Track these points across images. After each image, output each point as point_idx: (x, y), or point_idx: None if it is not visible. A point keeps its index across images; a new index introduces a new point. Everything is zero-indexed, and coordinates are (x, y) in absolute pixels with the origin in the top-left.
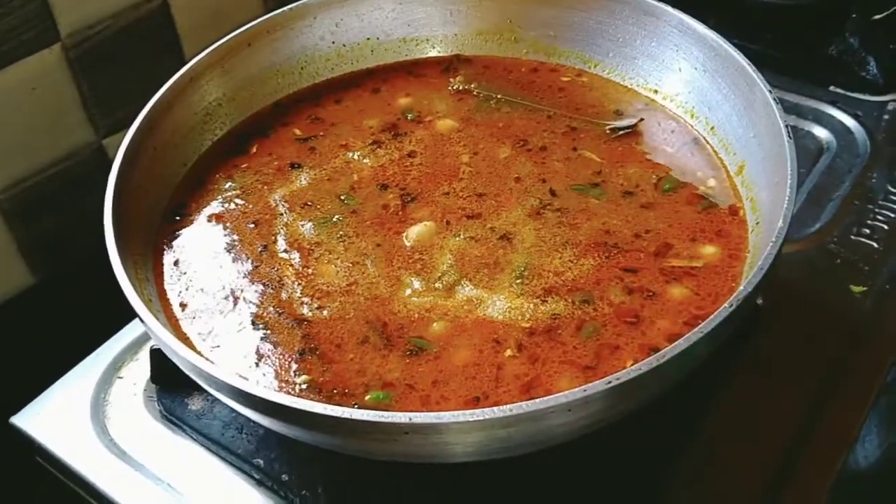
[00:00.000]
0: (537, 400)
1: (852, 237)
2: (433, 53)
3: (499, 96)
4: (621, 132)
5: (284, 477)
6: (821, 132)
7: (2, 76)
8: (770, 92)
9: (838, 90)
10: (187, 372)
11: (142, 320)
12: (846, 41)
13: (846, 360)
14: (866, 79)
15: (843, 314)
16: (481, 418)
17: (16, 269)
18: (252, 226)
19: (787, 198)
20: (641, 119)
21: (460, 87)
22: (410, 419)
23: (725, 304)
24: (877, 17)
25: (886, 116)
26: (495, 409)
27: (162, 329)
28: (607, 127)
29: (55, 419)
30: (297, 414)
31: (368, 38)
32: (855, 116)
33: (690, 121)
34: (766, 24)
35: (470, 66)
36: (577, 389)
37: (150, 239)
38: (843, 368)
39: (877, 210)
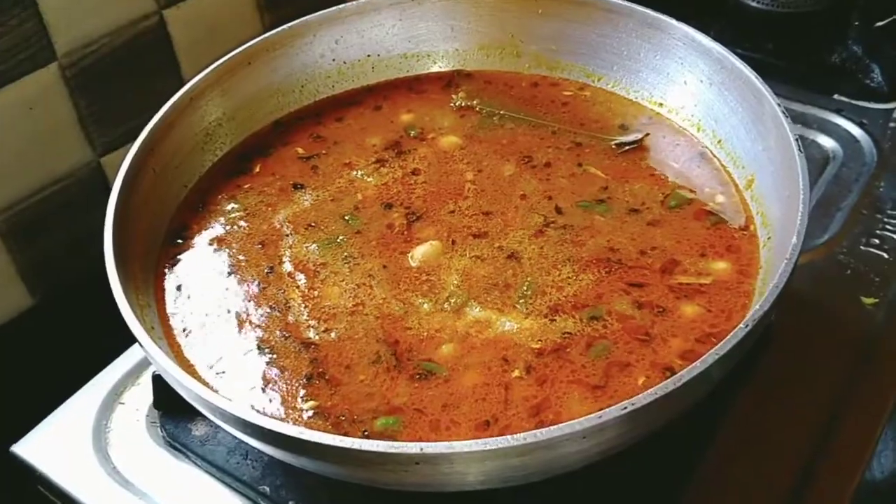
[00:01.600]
0: (552, 428)
1: (861, 247)
2: (435, 69)
3: (501, 112)
4: (627, 147)
5: None
6: (826, 141)
7: None
8: (779, 105)
9: (843, 98)
10: (191, 402)
11: (143, 348)
12: (849, 49)
13: (859, 373)
14: (871, 86)
15: (855, 326)
16: (494, 447)
17: (14, 291)
18: (257, 247)
19: (800, 213)
20: (647, 134)
21: (462, 104)
22: (422, 449)
23: (741, 325)
24: (879, 24)
25: (892, 124)
26: (508, 437)
27: (164, 358)
28: (612, 142)
29: (56, 447)
30: (304, 445)
31: (369, 55)
32: (860, 125)
33: (697, 134)
34: (768, 34)
35: (471, 82)
36: (592, 416)
37: (152, 263)
38: (857, 381)
39: (885, 219)
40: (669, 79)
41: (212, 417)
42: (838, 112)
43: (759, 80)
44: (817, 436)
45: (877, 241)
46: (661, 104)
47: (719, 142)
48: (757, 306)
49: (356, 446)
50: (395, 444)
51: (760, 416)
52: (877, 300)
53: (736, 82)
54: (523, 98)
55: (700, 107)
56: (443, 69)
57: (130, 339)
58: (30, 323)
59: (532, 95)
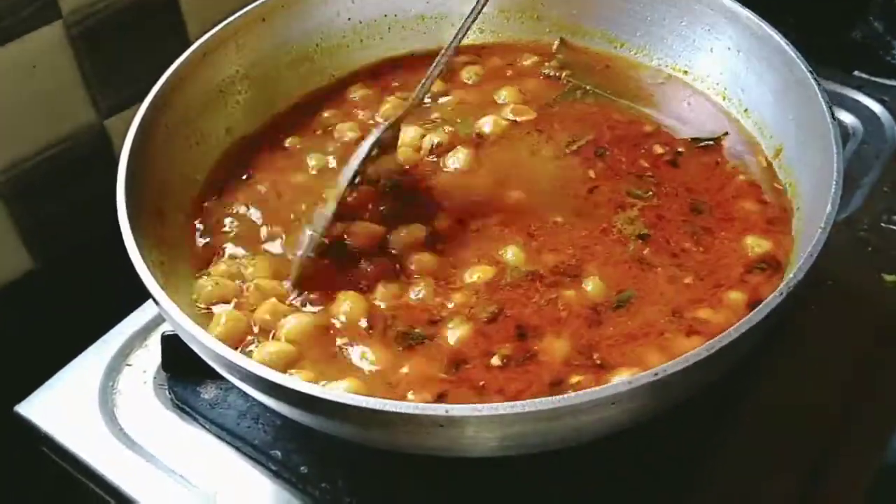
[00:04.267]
0: (579, 392)
1: (882, 224)
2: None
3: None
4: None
5: (303, 469)
6: (847, 118)
7: (0, 54)
8: (811, 72)
9: (863, 75)
10: (209, 361)
11: (158, 304)
12: (871, 25)
13: (880, 352)
14: (892, 63)
15: (876, 304)
16: (519, 411)
17: (16, 253)
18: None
19: (834, 181)
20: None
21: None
22: (447, 411)
23: (776, 292)
24: None
25: None
26: (536, 401)
27: (180, 314)
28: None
29: (62, 408)
30: (328, 406)
31: (386, 15)
32: (881, 102)
33: (722, 103)
34: (789, 8)
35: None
36: (621, 381)
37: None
38: (878, 358)
39: None
40: (695, 46)
41: (228, 376)
42: (859, 89)
43: (791, 47)
44: (837, 415)
45: None
46: (685, 72)
47: (745, 111)
48: (791, 274)
49: (380, 407)
50: (421, 405)
51: (780, 395)
52: None
53: (765, 50)
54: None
55: (726, 75)
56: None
57: (136, 301)
58: (32, 285)
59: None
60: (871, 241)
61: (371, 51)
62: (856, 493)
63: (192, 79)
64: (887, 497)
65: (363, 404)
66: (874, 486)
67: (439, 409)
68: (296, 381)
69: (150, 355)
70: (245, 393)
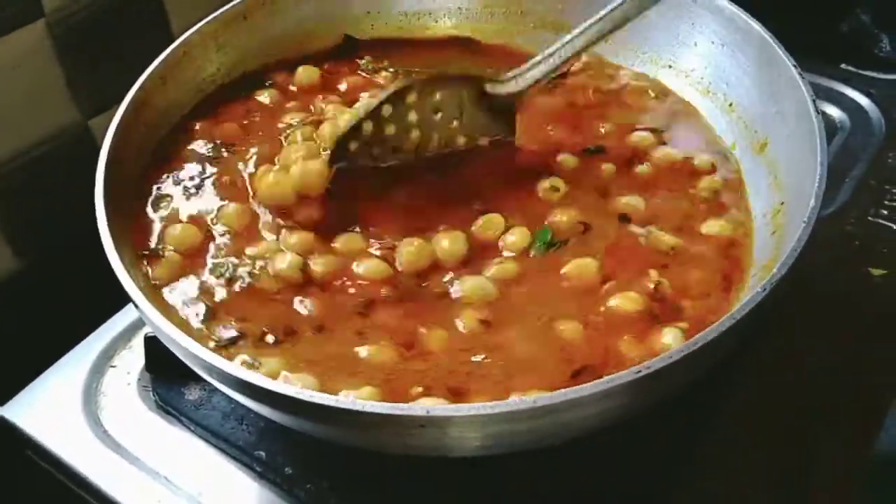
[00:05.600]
0: (562, 391)
1: (870, 218)
2: (433, 28)
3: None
4: None
5: (288, 470)
6: (833, 111)
7: None
8: (795, 66)
9: (850, 68)
10: (186, 361)
11: (136, 306)
12: (858, 18)
13: (868, 346)
14: (879, 56)
15: (863, 298)
16: (501, 411)
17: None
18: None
19: (818, 175)
20: None
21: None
22: (427, 412)
23: (758, 288)
24: None
25: None
26: (517, 400)
27: (158, 315)
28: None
29: (45, 410)
30: (308, 408)
31: (369, 12)
32: (868, 95)
33: (705, 99)
34: (775, 1)
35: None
36: (603, 380)
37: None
38: (865, 354)
39: (894, 190)
40: (679, 41)
41: (208, 378)
42: (846, 82)
43: (774, 39)
44: (824, 410)
45: (885, 211)
46: (669, 66)
47: (730, 105)
48: (775, 269)
49: (359, 408)
50: (402, 406)
51: (766, 391)
52: (886, 272)
53: (749, 43)
54: None
55: (710, 69)
56: (446, 26)
57: (120, 302)
58: (16, 285)
59: None
60: (859, 235)
61: None
62: (844, 489)
63: (173, 77)
64: (875, 492)
65: (344, 406)
66: (863, 481)
67: (419, 410)
68: (275, 383)
69: (135, 356)
70: None
